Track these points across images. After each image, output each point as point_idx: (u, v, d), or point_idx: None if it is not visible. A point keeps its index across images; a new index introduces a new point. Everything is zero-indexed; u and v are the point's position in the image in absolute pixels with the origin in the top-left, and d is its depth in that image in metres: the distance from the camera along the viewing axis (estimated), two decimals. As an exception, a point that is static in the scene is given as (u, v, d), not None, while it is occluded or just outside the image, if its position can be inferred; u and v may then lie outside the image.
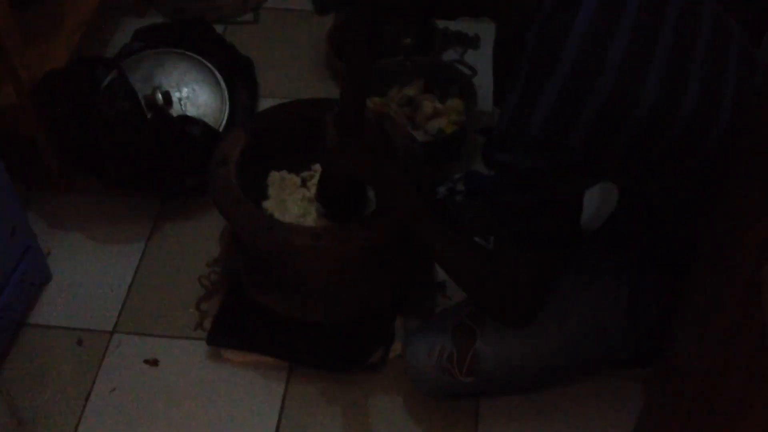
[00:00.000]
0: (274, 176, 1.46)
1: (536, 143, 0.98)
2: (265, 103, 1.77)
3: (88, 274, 1.54)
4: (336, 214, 1.34)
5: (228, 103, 1.67)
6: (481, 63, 1.82)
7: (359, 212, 1.34)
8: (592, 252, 1.27)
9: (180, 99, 1.65)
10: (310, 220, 1.39)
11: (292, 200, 1.42)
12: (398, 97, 1.68)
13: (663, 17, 1.01)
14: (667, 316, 1.17)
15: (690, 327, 0.96)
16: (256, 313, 1.39)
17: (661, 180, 1.09)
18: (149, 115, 1.58)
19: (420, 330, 1.31)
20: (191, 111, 1.64)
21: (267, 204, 1.42)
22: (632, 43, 0.97)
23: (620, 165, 1.05)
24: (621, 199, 1.31)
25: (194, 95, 1.67)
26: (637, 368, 1.33)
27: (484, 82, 1.70)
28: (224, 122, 1.66)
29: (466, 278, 1.19)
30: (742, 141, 0.90)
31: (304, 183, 1.46)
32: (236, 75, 1.73)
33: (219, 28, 1.90)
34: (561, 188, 1.05)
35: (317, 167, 1.46)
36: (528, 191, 1.04)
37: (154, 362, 1.41)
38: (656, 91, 0.98)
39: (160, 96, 1.62)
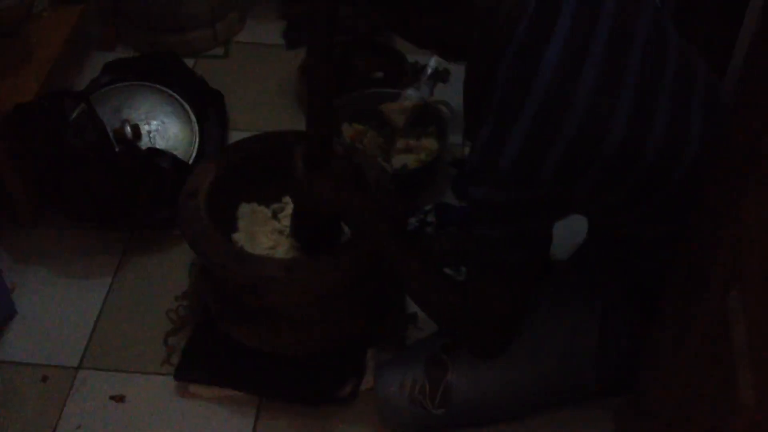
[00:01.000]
0: (244, 208, 1.45)
1: (508, 177, 0.99)
2: (235, 136, 1.76)
3: (54, 309, 1.51)
4: (311, 248, 1.34)
5: (198, 136, 1.67)
6: (450, 96, 1.83)
7: (334, 245, 1.33)
8: (563, 283, 1.27)
9: (149, 132, 1.65)
10: (281, 252, 1.38)
11: (262, 232, 1.41)
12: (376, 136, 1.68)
13: (629, 56, 1.02)
14: (638, 346, 1.18)
15: (660, 358, 0.97)
16: (224, 347, 1.38)
17: (630, 213, 1.11)
18: (118, 149, 1.57)
19: (391, 362, 1.30)
20: (160, 144, 1.64)
21: (237, 236, 1.41)
22: (599, 81, 0.99)
23: (590, 198, 1.06)
24: (590, 230, 1.32)
25: (164, 128, 1.66)
26: (609, 397, 1.33)
27: (454, 114, 1.73)
28: (194, 155, 1.65)
29: (437, 310, 1.19)
30: (708, 175, 0.91)
31: (274, 215, 1.45)
32: (206, 108, 1.73)
33: (189, 62, 1.91)
34: (532, 221, 1.06)
35: (287, 199, 1.46)
36: (500, 224, 1.05)
37: (120, 399, 1.39)
38: (623, 128, 0.99)
39: (128, 129, 1.61)
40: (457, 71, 1.90)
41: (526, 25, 1.00)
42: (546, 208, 1.05)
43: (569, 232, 1.46)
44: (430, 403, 1.22)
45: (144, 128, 1.65)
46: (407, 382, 1.23)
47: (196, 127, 1.67)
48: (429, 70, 1.69)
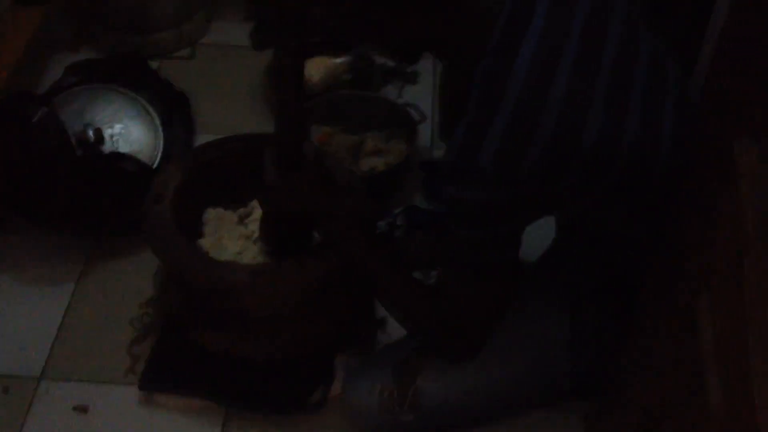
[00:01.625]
0: (210, 213, 1.43)
1: (486, 176, 0.98)
2: (201, 139, 1.73)
3: (15, 317, 1.47)
4: (280, 252, 1.32)
5: (162, 139, 1.64)
6: (419, 99, 1.82)
7: (304, 250, 1.31)
8: (532, 285, 1.26)
9: (112, 136, 1.62)
10: (248, 257, 1.36)
11: (228, 238, 1.39)
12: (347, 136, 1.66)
13: (602, 55, 1.02)
14: (609, 347, 1.17)
15: (631, 361, 0.96)
16: (190, 355, 1.35)
17: (606, 213, 1.10)
18: (80, 153, 1.54)
19: (360, 368, 1.29)
20: (124, 147, 1.61)
21: (203, 242, 1.39)
22: (573, 81, 0.98)
23: (568, 198, 1.06)
24: (559, 231, 1.31)
25: (127, 131, 1.63)
26: (579, 399, 1.32)
27: (423, 117, 1.71)
28: (158, 158, 1.62)
29: (408, 315, 1.18)
30: (680, 178, 0.91)
31: (241, 220, 1.43)
32: (172, 111, 1.70)
33: (154, 64, 1.88)
34: (509, 221, 1.05)
35: (254, 204, 1.43)
36: (476, 224, 1.04)
37: (83, 409, 1.35)
38: (598, 127, 0.99)
39: (91, 133, 1.58)
40: (425, 74, 1.91)
41: (501, 24, 0.99)
42: (524, 208, 1.04)
43: (537, 234, 1.45)
44: (399, 408, 1.21)
45: (107, 132, 1.61)
46: (376, 389, 1.22)
47: (160, 131, 1.65)
48: None
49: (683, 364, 0.72)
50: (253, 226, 1.39)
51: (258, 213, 1.39)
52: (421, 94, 1.85)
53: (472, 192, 1.00)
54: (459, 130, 1.00)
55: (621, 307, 1.15)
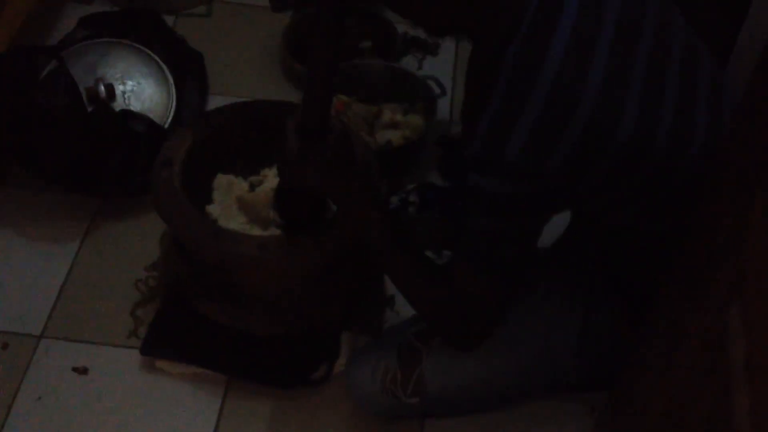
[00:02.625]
0: (221, 180, 1.40)
1: (513, 169, 0.96)
2: (214, 101, 1.70)
3: (17, 273, 1.45)
4: (293, 224, 1.28)
5: (175, 100, 1.61)
6: (439, 70, 1.78)
7: (318, 223, 1.27)
8: (544, 274, 1.24)
9: (124, 93, 1.58)
10: (257, 228, 1.33)
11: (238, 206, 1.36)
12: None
13: (637, 45, 0.99)
14: (621, 341, 1.15)
15: (650, 362, 0.93)
16: (194, 323, 1.33)
17: (631, 208, 1.07)
18: (90, 109, 1.50)
19: (364, 350, 1.27)
20: (135, 106, 1.57)
21: (211, 209, 1.36)
22: (608, 72, 0.95)
23: (595, 193, 1.03)
24: (573, 221, 1.28)
25: (139, 89, 1.60)
26: (587, 392, 1.30)
27: (444, 91, 1.67)
28: (170, 119, 1.59)
29: (419, 297, 1.15)
30: (713, 175, 0.87)
31: (252, 188, 1.40)
32: (185, 70, 1.66)
33: (169, 20, 1.83)
34: (531, 215, 1.02)
35: (266, 172, 1.40)
36: (497, 216, 1.01)
37: (83, 370, 1.34)
38: (634, 119, 0.97)
39: (102, 88, 1.55)
40: (447, 46, 1.86)
41: (532, 11, 0.95)
42: (548, 202, 1.02)
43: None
44: (403, 392, 1.19)
45: (119, 88, 1.58)
46: (379, 371, 1.20)
47: (173, 90, 1.61)
48: None
49: (709, 379, 0.70)
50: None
51: (270, 182, 1.36)
52: (442, 67, 1.81)
53: (495, 183, 0.97)
54: (483, 120, 0.97)
55: (634, 303, 1.13)
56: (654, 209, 1.07)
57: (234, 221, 1.33)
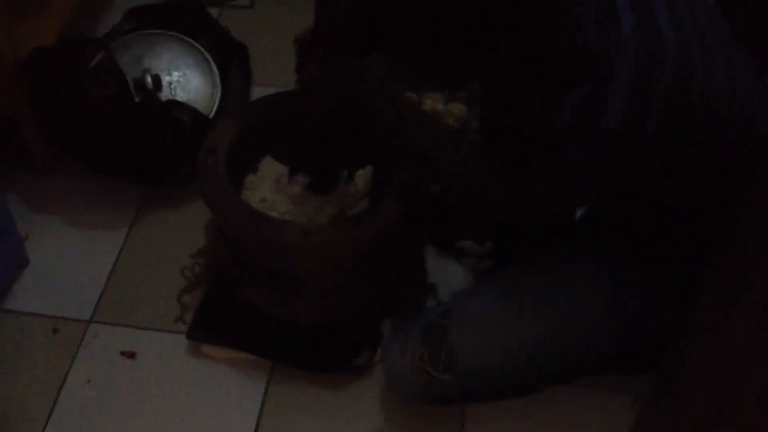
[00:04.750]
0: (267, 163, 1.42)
1: (613, 135, 0.98)
2: (258, 91, 1.72)
3: (67, 260, 1.49)
4: (318, 183, 1.30)
5: (220, 90, 1.63)
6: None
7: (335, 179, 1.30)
8: (570, 243, 1.24)
9: (170, 83, 1.60)
10: (279, 207, 1.34)
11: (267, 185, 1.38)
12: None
13: (681, 9, 1.02)
14: (654, 312, 1.16)
15: (695, 349, 0.92)
16: (238, 309, 1.35)
17: (689, 177, 1.08)
18: (137, 99, 1.53)
19: (393, 333, 1.29)
20: (181, 96, 1.59)
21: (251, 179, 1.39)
22: (675, 34, 0.99)
23: (674, 154, 1.04)
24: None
25: (185, 80, 1.62)
26: (626, 373, 1.29)
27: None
28: (215, 109, 1.61)
29: (469, 184, 1.15)
30: (763, 158, 0.86)
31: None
32: (229, 61, 1.68)
33: (214, 12, 1.85)
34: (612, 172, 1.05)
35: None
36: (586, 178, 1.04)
37: (131, 355, 1.37)
38: (703, 75, 0.99)
39: (149, 79, 1.57)
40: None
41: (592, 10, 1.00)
42: (639, 164, 1.03)
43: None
44: (433, 369, 1.20)
45: (165, 79, 1.60)
46: (408, 352, 1.21)
47: (218, 80, 1.63)
48: None
49: (758, 360, 0.68)
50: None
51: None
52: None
53: (587, 153, 1.00)
54: (571, 99, 0.99)
55: (666, 272, 1.14)
56: (702, 180, 1.08)
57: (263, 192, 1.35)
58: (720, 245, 0.89)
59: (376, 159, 1.37)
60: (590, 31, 0.99)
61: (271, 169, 1.42)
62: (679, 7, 1.02)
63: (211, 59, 1.64)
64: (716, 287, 0.87)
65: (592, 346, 1.22)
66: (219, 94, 1.62)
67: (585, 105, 0.99)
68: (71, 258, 1.49)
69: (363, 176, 1.38)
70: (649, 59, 0.97)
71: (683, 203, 1.11)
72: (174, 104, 1.55)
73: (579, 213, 1.36)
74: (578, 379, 1.31)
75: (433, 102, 1.62)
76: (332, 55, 1.14)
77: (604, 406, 1.31)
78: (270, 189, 1.40)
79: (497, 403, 1.30)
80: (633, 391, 1.30)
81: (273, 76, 1.76)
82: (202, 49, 1.64)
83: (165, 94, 1.59)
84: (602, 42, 0.99)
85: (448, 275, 1.44)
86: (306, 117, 1.23)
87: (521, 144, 1.12)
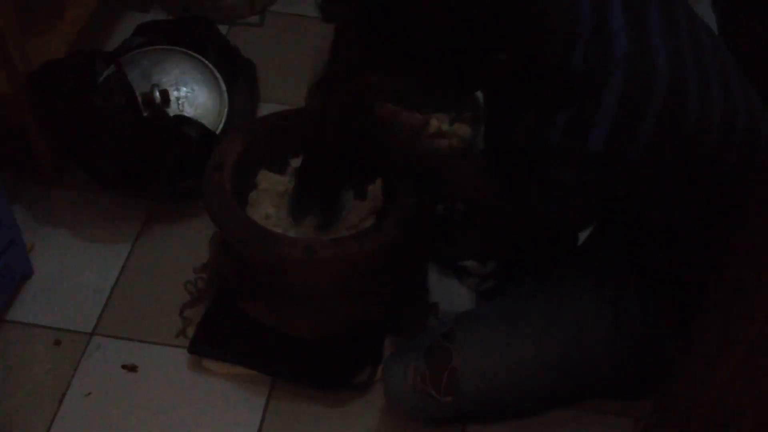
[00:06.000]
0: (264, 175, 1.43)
1: (596, 158, 1.00)
2: (264, 109, 1.73)
3: (71, 272, 1.49)
4: (310, 204, 1.31)
5: (227, 106, 1.64)
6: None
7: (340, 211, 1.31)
8: (573, 268, 1.25)
9: (178, 98, 1.62)
10: (274, 221, 1.35)
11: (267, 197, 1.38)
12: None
13: (680, 35, 1.04)
14: (656, 336, 1.17)
15: (697, 366, 0.92)
16: (240, 324, 1.36)
17: (679, 197, 1.09)
18: (145, 113, 1.54)
19: (396, 352, 1.29)
20: (189, 111, 1.61)
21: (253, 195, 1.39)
22: (669, 61, 1.00)
23: (663, 178, 1.06)
24: (600, 218, 1.28)
25: (193, 95, 1.63)
26: (627, 398, 1.30)
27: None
28: (222, 125, 1.62)
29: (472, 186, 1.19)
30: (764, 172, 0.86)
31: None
32: (237, 77, 1.69)
33: (223, 29, 1.87)
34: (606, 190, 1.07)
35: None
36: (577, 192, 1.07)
37: (132, 368, 1.37)
38: (697, 101, 1.01)
39: (157, 94, 1.58)
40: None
41: (588, 16, 1.00)
42: (624, 186, 1.05)
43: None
44: (435, 391, 1.20)
45: (173, 94, 1.61)
46: (410, 372, 1.22)
47: (225, 97, 1.64)
48: None
49: (760, 377, 0.68)
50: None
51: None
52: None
53: (577, 174, 1.02)
54: (559, 119, 1.00)
55: (667, 295, 1.15)
56: (697, 199, 1.09)
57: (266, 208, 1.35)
58: (722, 261, 0.89)
59: (384, 172, 1.38)
60: (581, 52, 1.00)
61: (269, 182, 1.42)
62: (679, 34, 1.03)
63: (219, 76, 1.65)
64: (718, 302, 0.88)
65: (592, 371, 1.23)
66: (226, 111, 1.63)
67: (573, 126, 1.00)
68: (75, 270, 1.50)
69: (373, 191, 1.38)
70: (637, 87, 0.98)
71: (679, 223, 1.12)
72: (182, 119, 1.56)
73: (582, 237, 1.36)
74: (579, 401, 1.31)
75: (438, 122, 1.63)
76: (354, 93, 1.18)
77: (606, 428, 1.31)
78: (274, 205, 1.41)
79: (496, 422, 1.30)
80: (634, 413, 1.29)
81: (279, 93, 1.77)
82: (210, 65, 1.65)
83: (173, 110, 1.60)
84: (592, 65, 0.99)
85: (450, 294, 1.44)
86: (322, 138, 1.25)
87: (519, 161, 1.13)
